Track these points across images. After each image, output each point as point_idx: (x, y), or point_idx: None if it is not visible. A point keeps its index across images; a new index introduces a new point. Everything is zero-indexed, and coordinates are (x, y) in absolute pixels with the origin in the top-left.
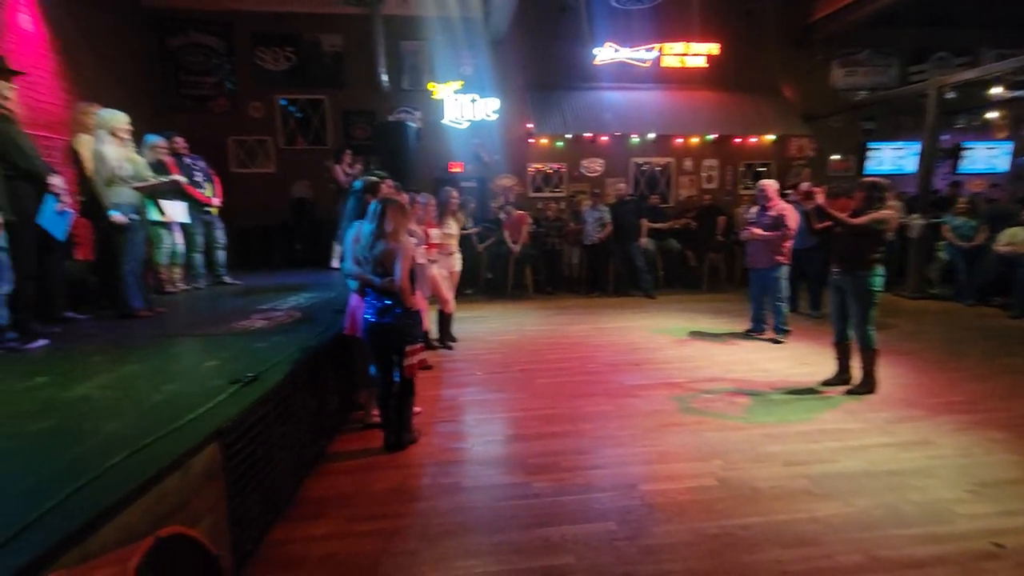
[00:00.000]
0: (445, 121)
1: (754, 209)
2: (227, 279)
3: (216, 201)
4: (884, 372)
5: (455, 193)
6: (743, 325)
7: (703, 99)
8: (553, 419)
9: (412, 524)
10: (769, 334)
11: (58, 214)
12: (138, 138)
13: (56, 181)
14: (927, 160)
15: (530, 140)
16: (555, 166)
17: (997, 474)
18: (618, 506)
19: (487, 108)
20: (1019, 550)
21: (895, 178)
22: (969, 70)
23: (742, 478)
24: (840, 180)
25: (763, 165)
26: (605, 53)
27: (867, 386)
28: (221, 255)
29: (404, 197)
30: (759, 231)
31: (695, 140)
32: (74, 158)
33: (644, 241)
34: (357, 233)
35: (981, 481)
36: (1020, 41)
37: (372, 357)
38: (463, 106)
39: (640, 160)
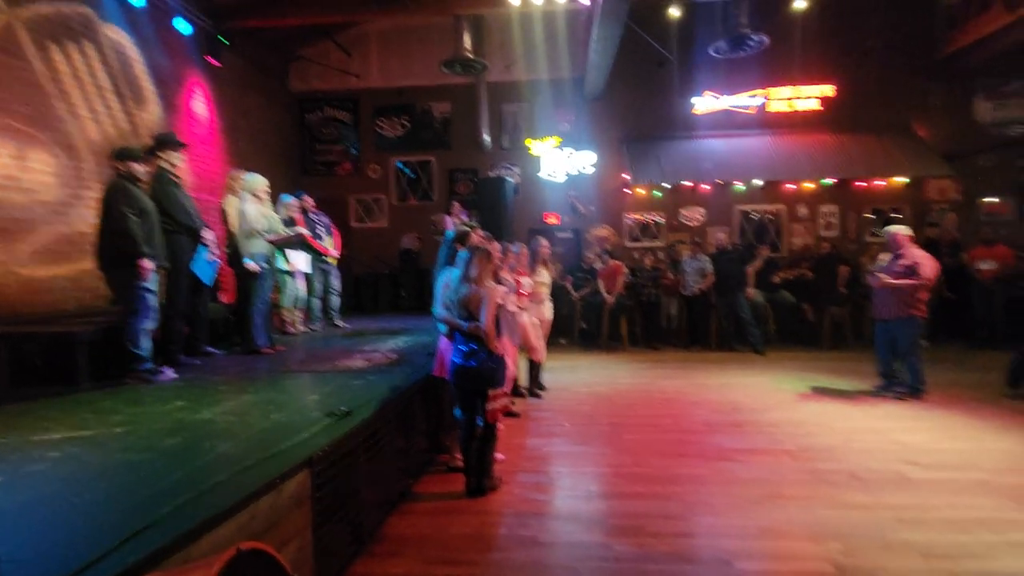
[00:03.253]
0: (542, 175)
1: (886, 256)
2: (339, 323)
3: (334, 252)
4: None
5: (545, 242)
6: (870, 388)
7: (817, 142)
8: (641, 478)
9: (485, 573)
10: (897, 391)
11: (208, 263)
12: (276, 198)
13: (208, 235)
14: None
15: (626, 190)
16: (652, 216)
17: None
18: None
19: (583, 161)
20: None
21: None
22: None
23: (867, 568)
24: (996, 225)
25: (894, 210)
26: (705, 102)
27: None
28: (336, 301)
29: (495, 246)
30: (887, 277)
31: (810, 185)
32: (222, 216)
33: (752, 292)
34: (447, 279)
35: None
36: None
37: (457, 399)
38: (559, 160)
39: (747, 207)
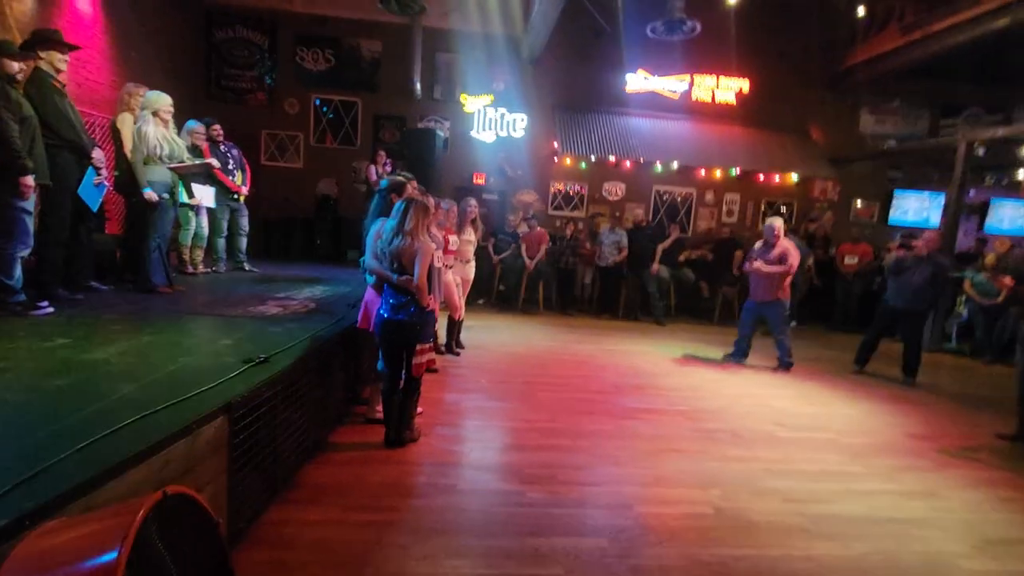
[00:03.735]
0: (473, 133)
1: (759, 244)
2: (246, 266)
3: (244, 189)
4: (893, 420)
5: (475, 202)
6: (755, 360)
7: (730, 133)
8: (552, 432)
9: (405, 519)
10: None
11: (95, 187)
12: (179, 123)
13: (97, 155)
14: (952, 214)
15: (555, 159)
16: (577, 186)
17: (1005, 532)
18: (611, 524)
19: (515, 124)
20: None
21: (918, 229)
22: (1001, 127)
23: (739, 509)
24: (862, 226)
25: (785, 203)
26: (636, 81)
27: None
28: (243, 242)
29: (430, 200)
30: (762, 265)
31: (719, 173)
32: (114, 135)
33: (658, 268)
34: (379, 229)
35: (987, 538)
36: None
37: (382, 352)
38: (492, 120)
39: (661, 188)
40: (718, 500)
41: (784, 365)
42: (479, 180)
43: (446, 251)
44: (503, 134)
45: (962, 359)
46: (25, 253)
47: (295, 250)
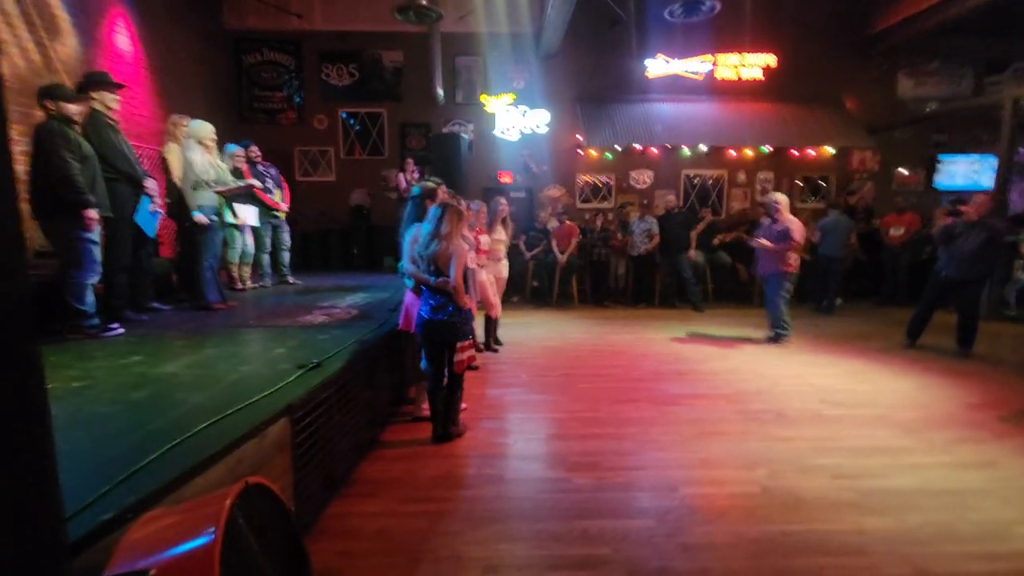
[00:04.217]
0: (496, 132)
1: (765, 220)
2: (290, 279)
3: (284, 206)
4: (948, 392)
5: (504, 202)
6: (796, 340)
7: (758, 111)
8: (595, 422)
9: (458, 508)
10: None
11: (150, 214)
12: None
13: (150, 184)
14: (1003, 175)
15: (579, 151)
16: (604, 178)
17: None
18: (658, 505)
19: (537, 120)
20: None
21: (967, 193)
22: None
23: (786, 487)
24: (907, 195)
25: (822, 178)
26: (657, 66)
27: None
28: (286, 256)
29: (462, 203)
30: (765, 242)
31: (749, 152)
32: (163, 165)
33: (693, 253)
34: (415, 234)
35: None
36: None
37: (424, 352)
38: (514, 118)
39: (691, 172)
40: (765, 479)
41: (775, 337)
42: (505, 179)
43: (478, 251)
44: (527, 131)
45: (1022, 326)
46: (95, 280)
47: (334, 260)
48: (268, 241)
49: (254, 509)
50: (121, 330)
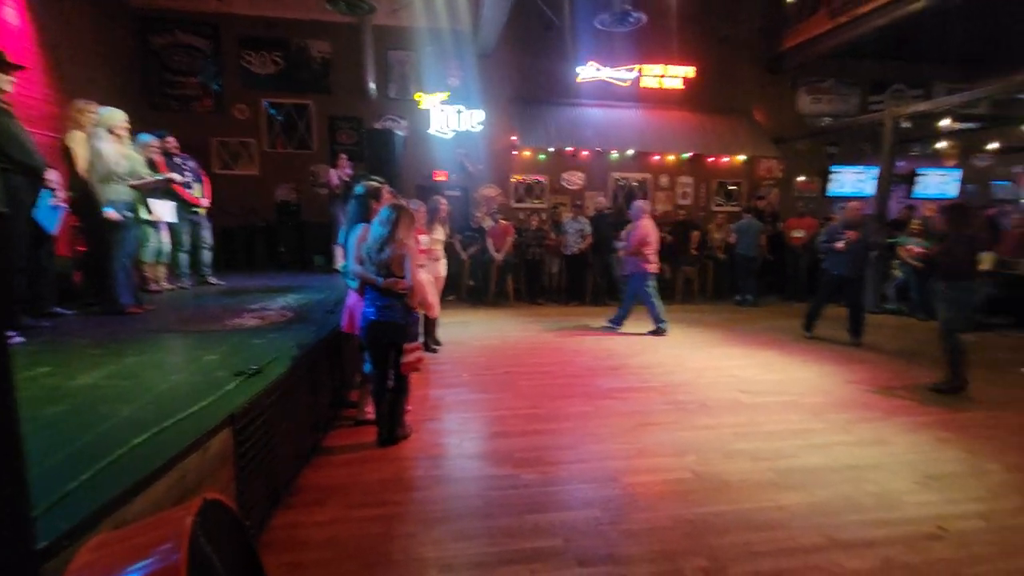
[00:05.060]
0: (431, 131)
1: (629, 226)
2: (212, 279)
3: (205, 202)
4: (845, 378)
5: (444, 201)
6: (714, 334)
7: (679, 119)
8: (537, 418)
9: (409, 511)
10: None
11: (52, 208)
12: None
13: (52, 176)
14: (884, 184)
15: (514, 152)
16: (537, 178)
17: (943, 468)
18: (601, 496)
19: (472, 119)
20: (959, 533)
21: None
22: (922, 103)
23: (714, 471)
24: (807, 200)
25: (734, 184)
26: (587, 71)
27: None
28: (207, 255)
29: (418, 205)
30: (623, 251)
31: (671, 158)
32: (64, 155)
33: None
34: (362, 233)
35: (929, 474)
36: (967, 77)
37: (369, 354)
38: (449, 116)
39: (619, 175)
40: (694, 465)
41: (658, 331)
42: (440, 177)
43: (418, 251)
44: (461, 129)
45: (901, 318)
46: None
47: (259, 259)
48: (187, 239)
49: (213, 526)
50: (20, 339)
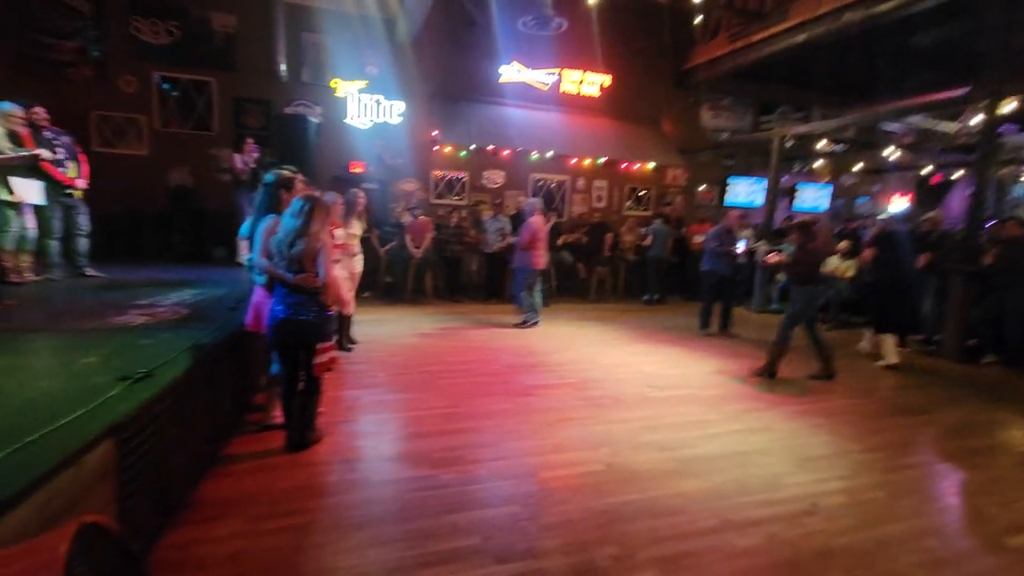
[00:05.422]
0: (347, 120)
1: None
2: (89, 271)
3: (81, 183)
4: (736, 371)
5: (362, 194)
6: (625, 331)
7: (596, 125)
8: (456, 417)
9: (322, 519)
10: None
11: None
12: None
13: None
14: (771, 196)
15: (435, 147)
16: (458, 174)
17: (816, 451)
18: (519, 492)
19: (392, 111)
20: (829, 508)
21: (749, 210)
22: (803, 125)
23: (624, 463)
24: (706, 208)
25: (644, 189)
26: (510, 72)
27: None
28: (83, 244)
29: (334, 197)
30: (517, 245)
31: (588, 162)
32: None
33: None
34: (271, 226)
35: (805, 456)
36: (841, 104)
37: (278, 354)
38: (367, 106)
39: (538, 176)
40: (607, 457)
41: (528, 323)
42: (357, 169)
43: (333, 246)
44: (380, 121)
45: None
46: None
47: (148, 250)
48: (59, 224)
49: (93, 552)
50: None
